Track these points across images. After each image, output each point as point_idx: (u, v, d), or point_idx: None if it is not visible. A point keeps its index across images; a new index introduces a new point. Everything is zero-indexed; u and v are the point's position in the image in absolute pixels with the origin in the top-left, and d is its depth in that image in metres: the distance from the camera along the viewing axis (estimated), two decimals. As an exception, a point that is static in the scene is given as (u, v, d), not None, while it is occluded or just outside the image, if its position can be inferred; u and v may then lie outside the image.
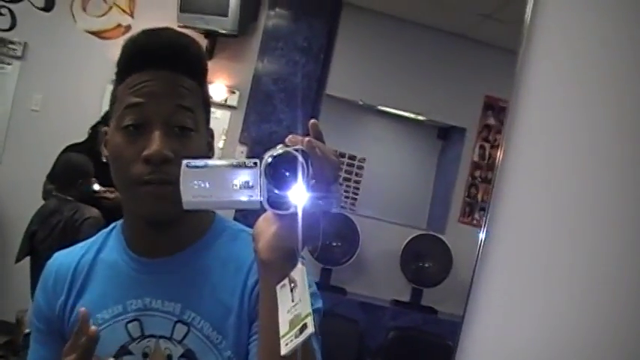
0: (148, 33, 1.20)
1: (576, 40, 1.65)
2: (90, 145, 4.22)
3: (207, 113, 1.25)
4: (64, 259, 1.31)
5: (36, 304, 1.30)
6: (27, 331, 3.97)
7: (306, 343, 0.83)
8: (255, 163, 0.87)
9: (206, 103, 1.23)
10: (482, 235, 1.75)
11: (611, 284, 1.49)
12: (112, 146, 1.17)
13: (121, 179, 1.16)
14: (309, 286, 1.02)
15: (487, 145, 5.46)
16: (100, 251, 1.30)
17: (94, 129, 4.41)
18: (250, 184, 0.87)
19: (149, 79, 1.13)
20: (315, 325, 0.92)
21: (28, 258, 3.85)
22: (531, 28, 1.70)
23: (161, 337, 1.16)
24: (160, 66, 1.14)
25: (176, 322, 1.16)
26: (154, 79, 1.14)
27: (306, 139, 0.87)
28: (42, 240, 3.70)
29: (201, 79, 1.22)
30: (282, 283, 0.90)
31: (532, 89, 1.70)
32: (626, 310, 1.47)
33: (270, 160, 0.85)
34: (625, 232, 1.49)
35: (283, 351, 0.83)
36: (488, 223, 1.74)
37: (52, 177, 4.06)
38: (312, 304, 1.02)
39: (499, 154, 1.74)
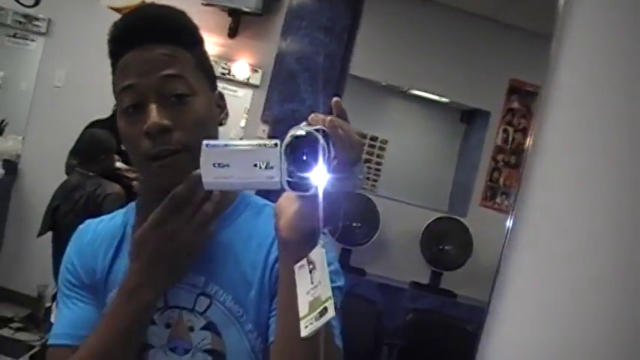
0: (126, 15, 1.23)
1: (611, 26, 1.61)
2: (114, 122, 4.23)
3: (208, 77, 1.24)
4: (95, 226, 1.33)
5: (69, 262, 1.30)
6: (48, 304, 4.02)
7: (325, 325, 0.83)
8: (276, 144, 0.86)
9: (203, 66, 1.22)
10: (509, 222, 1.73)
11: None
12: (120, 129, 1.18)
13: (133, 158, 1.17)
14: (331, 264, 1.02)
15: (511, 129, 5.43)
16: (128, 223, 1.30)
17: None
18: (271, 164, 0.86)
19: (135, 58, 1.14)
20: (336, 303, 0.93)
21: (49, 233, 3.88)
22: (566, 11, 1.66)
23: (184, 308, 1.17)
24: (142, 42, 1.15)
25: (199, 294, 1.16)
26: (138, 57, 1.14)
27: (329, 118, 0.86)
28: (64, 214, 3.72)
29: (189, 44, 1.20)
30: (300, 263, 0.90)
31: (564, 74, 1.67)
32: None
33: (290, 141, 0.85)
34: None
35: (303, 333, 0.83)
36: (517, 209, 1.72)
37: (75, 152, 4.08)
38: (333, 281, 1.02)
39: (529, 139, 1.72)
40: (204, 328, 1.17)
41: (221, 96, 1.27)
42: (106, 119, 4.33)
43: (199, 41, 1.24)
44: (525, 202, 1.71)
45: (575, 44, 1.65)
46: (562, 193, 1.64)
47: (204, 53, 1.25)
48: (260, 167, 0.86)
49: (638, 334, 1.43)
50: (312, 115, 0.88)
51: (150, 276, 1.10)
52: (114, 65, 1.21)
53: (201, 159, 0.88)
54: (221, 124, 1.25)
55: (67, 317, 1.27)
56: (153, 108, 1.11)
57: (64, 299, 1.30)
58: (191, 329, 1.17)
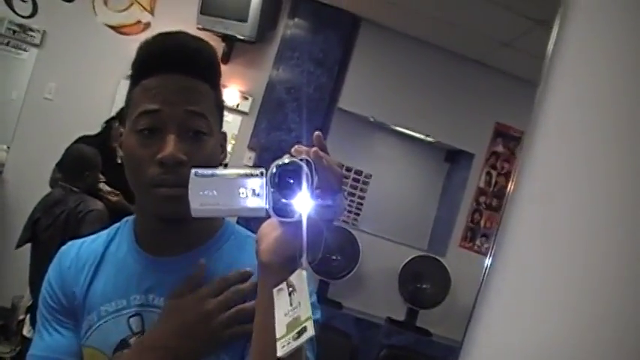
0: (162, 36, 1.22)
1: (599, 75, 1.65)
2: (102, 139, 4.24)
3: (221, 116, 1.26)
4: (78, 248, 1.33)
5: (49, 286, 1.31)
6: (21, 317, 3.98)
7: (301, 350, 0.84)
8: (262, 173, 0.89)
9: (219, 106, 1.24)
10: (487, 262, 1.75)
11: (626, 315, 1.49)
12: (126, 148, 1.18)
13: (136, 180, 1.17)
14: (310, 296, 1.04)
15: (494, 172, 5.47)
16: (110, 244, 1.31)
17: (108, 123, 4.43)
18: (257, 192, 0.89)
19: (163, 84, 1.15)
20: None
21: (28, 245, 3.86)
22: (553, 60, 1.70)
23: None
24: (173, 70, 1.15)
25: None
26: (167, 83, 1.15)
27: (313, 149, 0.89)
28: (44, 228, 3.70)
29: (214, 82, 1.23)
30: (279, 286, 0.92)
31: (549, 122, 1.70)
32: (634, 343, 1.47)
33: (275, 169, 0.88)
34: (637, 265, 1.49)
35: (279, 353, 0.84)
36: (495, 250, 1.74)
37: (60, 166, 4.07)
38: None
39: (511, 183, 1.75)
40: None
41: (225, 137, 1.29)
42: (95, 136, 4.34)
43: (220, 78, 1.26)
44: (503, 246, 1.73)
45: (560, 92, 1.69)
46: (541, 239, 1.67)
47: (221, 91, 1.27)
48: (246, 195, 0.89)
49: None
50: (296, 146, 0.91)
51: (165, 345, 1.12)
52: (136, 81, 1.20)
53: (190, 187, 0.91)
54: (221, 164, 1.27)
55: (46, 341, 1.28)
56: (172, 139, 1.12)
57: (44, 321, 1.31)
58: None
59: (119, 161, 1.25)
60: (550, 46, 1.72)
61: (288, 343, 0.84)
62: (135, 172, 1.16)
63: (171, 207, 1.12)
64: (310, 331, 0.83)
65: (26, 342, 3.45)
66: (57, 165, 4.13)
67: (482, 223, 5.50)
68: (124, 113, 1.24)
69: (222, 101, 1.26)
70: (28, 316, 3.91)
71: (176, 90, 1.15)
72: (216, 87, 1.23)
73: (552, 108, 1.70)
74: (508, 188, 1.76)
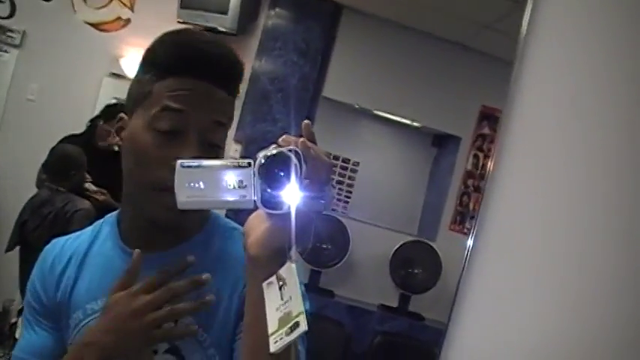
0: (199, 39, 1.20)
1: (572, 53, 1.66)
2: (87, 138, 4.22)
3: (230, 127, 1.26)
4: (61, 246, 1.32)
5: (32, 286, 1.31)
6: (14, 320, 3.97)
7: (291, 344, 0.84)
8: (249, 163, 0.88)
9: (232, 117, 1.25)
10: (470, 242, 1.76)
11: (602, 295, 1.50)
12: (137, 143, 1.16)
13: (139, 179, 1.15)
14: None
15: (481, 155, 5.47)
16: (94, 242, 1.30)
17: (93, 122, 4.41)
18: (244, 183, 0.88)
19: (193, 88, 1.13)
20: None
21: (17, 248, 3.85)
22: (527, 39, 1.71)
23: None
24: (206, 77, 1.14)
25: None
26: (197, 89, 1.14)
27: (301, 139, 0.88)
28: (32, 230, 3.69)
29: (235, 95, 1.23)
30: (269, 280, 0.91)
31: (525, 100, 1.71)
32: (617, 319, 1.48)
33: (263, 160, 0.86)
34: (617, 244, 1.50)
35: (272, 348, 0.83)
36: (477, 231, 1.75)
37: (45, 167, 4.05)
38: None
39: (490, 162, 1.75)
40: (167, 351, 1.17)
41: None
42: (80, 135, 4.31)
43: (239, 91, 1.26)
44: (485, 225, 1.73)
45: (535, 70, 1.70)
46: (522, 216, 1.67)
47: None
48: (233, 186, 0.88)
49: (600, 356, 1.46)
50: (284, 136, 0.90)
51: (102, 340, 1.07)
52: (162, 75, 1.16)
53: (175, 178, 0.89)
54: None
55: (28, 341, 1.29)
56: (193, 147, 1.11)
57: (27, 321, 1.32)
58: (154, 352, 1.16)
59: (116, 148, 1.23)
60: (524, 25, 1.73)
61: (281, 339, 0.83)
62: (141, 170, 1.15)
63: (171, 216, 1.10)
64: (303, 326, 0.82)
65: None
66: (42, 166, 4.11)
67: (470, 205, 5.50)
68: (134, 101, 1.21)
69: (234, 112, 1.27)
70: (20, 319, 3.90)
71: (206, 97, 1.14)
72: (235, 100, 1.24)
73: (528, 86, 1.71)
74: (488, 167, 1.77)
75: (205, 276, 1.06)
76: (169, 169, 1.08)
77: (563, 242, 1.57)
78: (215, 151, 1.16)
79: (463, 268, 1.77)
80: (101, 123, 4.23)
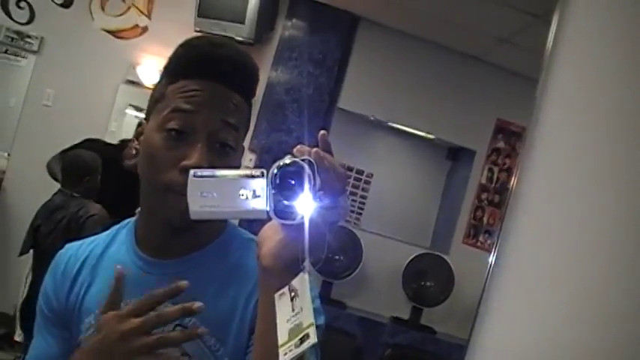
0: (210, 41, 1.21)
1: (598, 69, 1.64)
2: (114, 152, 4.21)
3: (247, 131, 1.25)
4: (75, 250, 1.31)
5: (44, 291, 1.30)
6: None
7: (303, 357, 0.83)
8: (263, 173, 0.87)
9: (249, 121, 1.24)
10: (491, 259, 1.74)
11: (628, 312, 1.48)
12: (148, 146, 1.16)
13: (151, 181, 1.15)
14: (312, 301, 1.03)
15: (496, 169, 5.46)
16: (110, 246, 1.29)
17: (124, 142, 4.39)
18: (257, 193, 0.87)
19: (202, 89, 1.14)
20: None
21: (30, 253, 3.86)
22: (553, 54, 1.69)
23: None
24: (216, 78, 1.15)
25: (176, 325, 1.14)
26: (207, 89, 1.14)
27: (314, 149, 0.87)
28: (46, 235, 3.70)
29: (250, 98, 1.23)
30: (281, 291, 0.90)
31: (550, 117, 1.69)
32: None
33: (277, 170, 0.86)
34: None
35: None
36: (499, 247, 1.73)
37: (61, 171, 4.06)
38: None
39: (513, 179, 1.74)
40: None
41: (243, 151, 1.28)
42: (109, 144, 4.33)
43: (255, 95, 1.26)
44: (507, 241, 1.72)
45: (560, 86, 1.68)
46: (544, 234, 1.66)
47: (251, 109, 1.26)
48: (246, 197, 0.87)
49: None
50: (298, 146, 0.89)
51: None
52: (175, 79, 1.18)
53: (188, 188, 0.88)
54: None
55: (38, 350, 1.28)
56: (200, 147, 1.11)
57: (39, 327, 1.31)
58: None
59: (133, 152, 1.24)
60: (549, 41, 1.71)
61: (291, 350, 0.82)
62: (152, 172, 1.14)
63: (183, 216, 1.10)
64: (313, 339, 0.81)
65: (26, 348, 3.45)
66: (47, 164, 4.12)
67: (485, 219, 5.49)
68: (150, 107, 1.22)
69: (250, 118, 1.26)
70: (17, 322, 3.93)
71: (214, 97, 1.14)
72: (250, 105, 1.23)
73: (553, 103, 1.69)
74: (511, 184, 1.75)
75: (197, 305, 1.02)
76: (177, 171, 1.09)
77: (586, 260, 1.56)
78: (226, 152, 1.15)
79: (484, 285, 1.75)
80: (131, 144, 4.23)
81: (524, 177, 1.70)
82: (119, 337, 1.01)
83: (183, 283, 1.04)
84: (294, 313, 0.85)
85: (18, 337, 3.98)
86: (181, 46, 1.21)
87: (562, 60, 1.68)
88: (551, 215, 1.65)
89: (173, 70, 1.19)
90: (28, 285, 3.85)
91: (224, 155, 1.14)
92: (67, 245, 1.34)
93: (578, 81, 1.68)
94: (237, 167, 1.17)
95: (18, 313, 4.03)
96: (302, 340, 0.81)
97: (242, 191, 0.87)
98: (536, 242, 1.68)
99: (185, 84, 1.15)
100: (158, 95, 1.20)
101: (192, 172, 0.89)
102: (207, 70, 1.15)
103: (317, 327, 1.10)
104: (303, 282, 0.88)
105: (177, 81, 1.16)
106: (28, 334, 3.64)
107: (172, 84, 1.17)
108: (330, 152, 0.90)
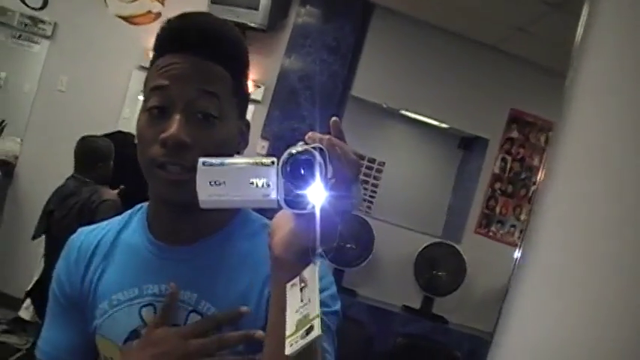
0: (183, 16, 1.19)
1: (628, 63, 1.61)
2: (125, 140, 4.21)
3: (242, 104, 1.22)
4: (87, 235, 1.30)
5: (57, 277, 1.29)
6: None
7: (311, 347, 0.82)
8: (273, 162, 0.85)
9: (239, 93, 1.20)
10: (517, 254, 1.73)
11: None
12: (138, 127, 1.15)
13: (142, 160, 1.14)
14: (327, 289, 1.02)
15: (509, 158, 5.43)
16: (122, 231, 1.28)
17: None
18: (268, 182, 0.85)
19: (176, 62, 1.12)
20: (331, 327, 0.92)
21: (42, 238, 3.87)
22: (582, 47, 1.66)
23: (175, 325, 1.13)
24: (190, 50, 1.13)
25: (190, 311, 1.14)
26: (181, 62, 1.12)
27: (326, 137, 0.85)
28: (59, 220, 3.71)
29: (231, 66, 1.18)
30: (292, 282, 0.89)
31: (579, 113, 1.66)
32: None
33: (287, 158, 0.84)
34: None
35: (287, 351, 0.81)
36: (524, 243, 1.72)
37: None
38: (329, 306, 1.04)
39: (540, 174, 1.72)
40: None
41: (247, 125, 1.25)
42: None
43: (244, 66, 1.22)
44: (533, 239, 1.70)
45: (589, 81, 1.65)
46: (570, 229, 1.64)
47: (244, 80, 1.23)
48: (256, 185, 0.85)
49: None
50: (310, 133, 0.87)
51: None
52: (154, 60, 1.17)
53: (197, 177, 0.87)
54: (238, 153, 1.22)
55: (52, 335, 1.28)
56: (176, 119, 1.09)
57: (53, 312, 1.30)
58: None
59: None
60: (579, 34, 1.68)
61: (296, 342, 0.81)
62: (141, 151, 1.13)
63: (174, 192, 1.09)
64: (317, 330, 0.79)
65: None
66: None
67: (497, 209, 5.47)
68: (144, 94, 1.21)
69: (244, 88, 1.23)
70: (28, 301, 3.96)
71: (188, 68, 1.12)
72: (235, 73, 1.19)
73: (581, 98, 1.66)
74: (538, 179, 1.73)
75: (258, 333, 1.06)
76: (159, 145, 1.08)
77: (613, 258, 1.53)
78: (211, 122, 1.12)
79: (509, 281, 1.73)
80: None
81: (551, 173, 1.68)
82: (183, 356, 1.06)
83: (245, 309, 1.10)
84: (303, 304, 0.84)
85: (26, 315, 4.03)
86: (160, 27, 1.20)
87: (591, 53, 1.65)
88: (578, 212, 1.63)
89: (155, 52, 1.18)
90: (40, 270, 3.87)
91: (208, 125, 1.12)
92: (80, 230, 1.34)
93: (607, 75, 1.64)
94: (228, 137, 1.16)
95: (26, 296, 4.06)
96: (307, 332, 0.80)
97: (252, 180, 0.85)
98: (562, 240, 1.65)
99: (161, 61, 1.14)
100: (146, 79, 1.19)
101: (200, 160, 0.87)
102: (178, 43, 1.13)
103: (333, 313, 1.09)
104: (312, 273, 0.87)
105: (156, 60, 1.16)
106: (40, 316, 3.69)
107: (154, 65, 1.17)
108: (342, 139, 0.88)
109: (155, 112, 1.11)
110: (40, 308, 3.84)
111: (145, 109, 1.13)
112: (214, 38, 1.16)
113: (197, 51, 1.13)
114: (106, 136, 4.15)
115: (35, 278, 3.94)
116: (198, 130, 1.10)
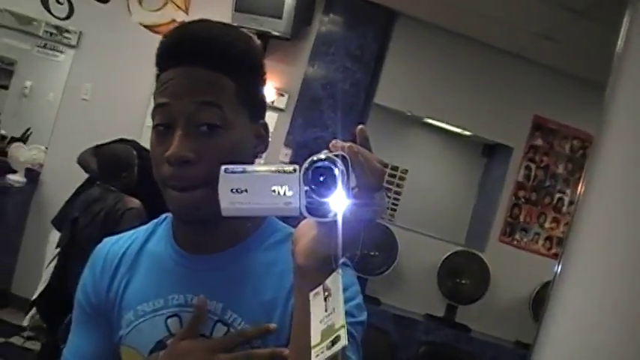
0: (179, 28, 1.17)
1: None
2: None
3: (251, 107, 1.18)
4: (113, 245, 1.30)
5: (83, 287, 1.29)
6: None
7: (340, 354, 0.81)
8: (295, 169, 0.84)
9: (245, 96, 1.16)
10: (557, 268, 1.72)
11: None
12: (150, 145, 1.14)
13: (155, 178, 1.14)
14: (354, 298, 1.01)
15: (533, 166, 5.40)
16: (148, 241, 1.28)
17: None
18: (290, 190, 0.84)
19: (174, 77, 1.10)
20: (356, 337, 0.94)
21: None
22: (622, 60, 1.64)
23: (201, 335, 1.13)
24: (187, 62, 1.11)
25: (217, 321, 1.13)
26: (177, 76, 1.10)
27: (348, 144, 0.84)
28: (83, 227, 3.72)
29: (233, 72, 1.14)
30: (315, 290, 0.88)
31: (619, 125, 1.64)
32: None
33: (309, 166, 0.83)
34: None
35: None
36: (564, 256, 1.70)
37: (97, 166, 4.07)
38: (354, 316, 1.04)
39: (580, 187, 1.70)
40: None
41: (265, 127, 1.22)
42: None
43: (248, 69, 1.18)
44: (573, 250, 1.69)
45: (630, 94, 1.63)
46: (609, 243, 1.62)
47: (252, 82, 1.19)
48: (278, 193, 0.85)
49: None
50: (333, 141, 0.86)
51: None
52: (157, 76, 1.16)
53: (219, 184, 0.86)
54: (256, 157, 1.20)
55: (78, 345, 1.28)
56: (178, 136, 1.07)
57: (78, 322, 1.30)
58: None
59: None
60: (619, 47, 1.66)
61: (322, 352, 0.80)
62: (154, 170, 1.13)
63: (184, 211, 1.09)
64: (343, 341, 0.79)
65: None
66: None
67: (521, 217, 5.44)
68: None
69: (250, 91, 1.18)
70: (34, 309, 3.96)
71: (185, 82, 1.10)
72: (237, 77, 1.14)
73: (622, 110, 1.64)
74: (578, 191, 1.72)
75: (286, 352, 1.04)
76: (167, 164, 1.07)
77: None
78: (216, 132, 1.09)
79: (548, 295, 1.72)
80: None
81: (591, 186, 1.67)
82: None
83: (273, 326, 1.09)
84: (327, 314, 0.83)
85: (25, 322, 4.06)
86: (159, 42, 1.17)
87: (631, 66, 1.63)
88: (617, 226, 1.61)
89: (156, 67, 1.17)
90: (49, 274, 3.86)
91: (213, 135, 1.09)
92: (105, 240, 1.33)
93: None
94: (237, 144, 1.13)
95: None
96: (333, 342, 0.80)
97: (274, 187, 0.85)
98: (602, 253, 1.64)
99: (161, 77, 1.13)
100: (153, 96, 1.17)
101: (222, 167, 0.87)
102: (175, 57, 1.12)
103: (359, 323, 1.09)
104: (335, 281, 0.86)
105: (160, 76, 1.15)
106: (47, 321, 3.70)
107: (157, 80, 1.16)
108: (368, 147, 0.87)
109: (161, 130, 1.10)
110: (49, 314, 3.83)
111: (153, 126, 1.13)
112: (209, 46, 1.13)
113: (193, 61, 1.10)
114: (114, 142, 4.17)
115: (43, 286, 3.92)
116: (202, 143, 1.08)
